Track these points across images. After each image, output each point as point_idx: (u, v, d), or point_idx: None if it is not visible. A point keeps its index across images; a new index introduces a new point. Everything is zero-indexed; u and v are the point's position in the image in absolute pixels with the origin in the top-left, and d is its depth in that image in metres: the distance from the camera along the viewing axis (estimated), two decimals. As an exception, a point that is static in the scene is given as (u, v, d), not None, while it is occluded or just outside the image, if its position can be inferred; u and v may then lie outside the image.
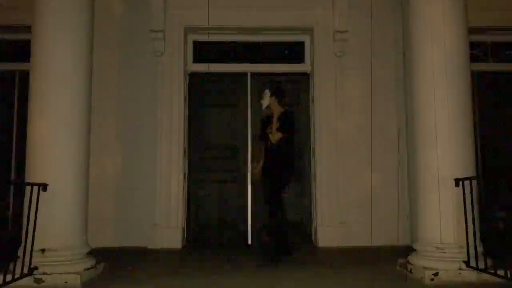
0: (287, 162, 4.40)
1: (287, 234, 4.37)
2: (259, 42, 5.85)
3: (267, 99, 4.51)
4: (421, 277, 3.48)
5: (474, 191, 3.51)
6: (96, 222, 4.72)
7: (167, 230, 5.24)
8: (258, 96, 5.73)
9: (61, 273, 3.38)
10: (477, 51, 5.71)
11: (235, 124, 5.74)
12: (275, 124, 4.37)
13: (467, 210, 3.46)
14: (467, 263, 3.42)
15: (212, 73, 5.80)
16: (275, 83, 4.82)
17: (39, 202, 3.38)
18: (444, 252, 3.50)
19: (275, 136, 4.33)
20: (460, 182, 3.49)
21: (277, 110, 4.45)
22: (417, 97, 3.87)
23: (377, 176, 5.45)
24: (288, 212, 4.60)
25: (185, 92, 5.61)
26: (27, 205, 3.37)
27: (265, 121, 4.55)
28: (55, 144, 3.58)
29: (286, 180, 4.42)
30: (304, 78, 5.82)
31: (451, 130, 3.62)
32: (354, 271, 3.93)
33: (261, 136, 4.57)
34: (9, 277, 3.14)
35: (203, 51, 5.84)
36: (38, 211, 3.38)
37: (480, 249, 3.47)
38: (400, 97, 5.56)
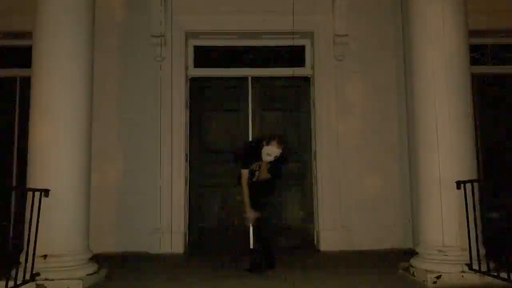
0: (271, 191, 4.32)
1: (270, 248, 4.18)
2: (259, 46, 5.87)
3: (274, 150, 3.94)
4: (424, 280, 3.47)
5: (475, 193, 3.50)
6: (98, 227, 4.71)
7: (169, 235, 5.23)
8: (259, 100, 5.80)
9: (63, 279, 3.38)
10: (477, 53, 5.72)
11: (236, 129, 5.74)
12: (266, 166, 4.07)
13: (469, 213, 3.45)
14: (469, 265, 3.41)
15: (213, 78, 5.82)
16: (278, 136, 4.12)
17: (41, 208, 3.38)
18: (447, 255, 3.49)
19: (265, 177, 4.08)
20: (462, 185, 3.48)
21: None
22: (417, 100, 3.87)
23: (379, 179, 5.45)
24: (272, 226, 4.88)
25: (186, 97, 5.63)
26: (29, 210, 3.38)
27: (253, 151, 4.05)
28: (56, 149, 3.58)
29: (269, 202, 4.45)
30: (305, 81, 5.82)
31: (452, 133, 3.62)
32: (356, 274, 3.92)
33: (246, 164, 4.09)
34: (11, 283, 3.13)
35: (204, 56, 5.85)
36: (40, 217, 3.37)
37: (482, 251, 3.47)
38: (401, 100, 5.56)
